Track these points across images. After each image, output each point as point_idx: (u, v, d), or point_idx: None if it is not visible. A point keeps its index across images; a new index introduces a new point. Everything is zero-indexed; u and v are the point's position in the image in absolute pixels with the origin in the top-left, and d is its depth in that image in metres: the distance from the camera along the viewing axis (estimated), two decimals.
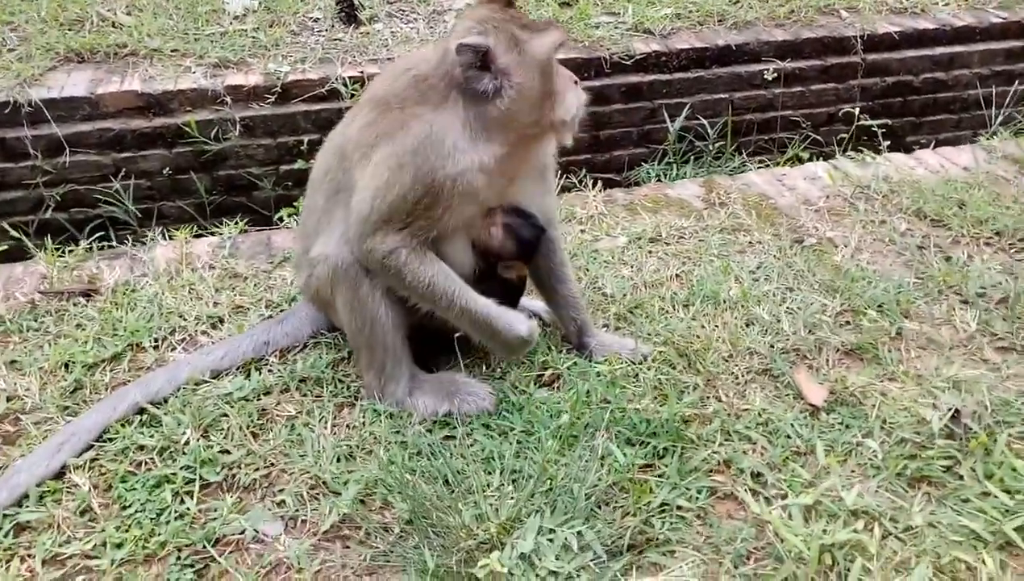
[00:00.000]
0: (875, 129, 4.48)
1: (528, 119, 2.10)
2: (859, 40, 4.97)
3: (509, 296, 2.49)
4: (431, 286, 2.11)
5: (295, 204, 3.95)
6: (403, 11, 5.18)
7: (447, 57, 2.05)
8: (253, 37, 4.64)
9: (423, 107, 2.07)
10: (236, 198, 4.44)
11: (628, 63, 4.68)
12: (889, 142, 4.46)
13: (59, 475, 2.08)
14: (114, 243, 3.98)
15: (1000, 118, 4.97)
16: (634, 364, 2.40)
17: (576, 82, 2.19)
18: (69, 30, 4.64)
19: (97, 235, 3.90)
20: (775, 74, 4.84)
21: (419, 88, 2.09)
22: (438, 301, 2.14)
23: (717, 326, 2.59)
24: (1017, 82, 5.24)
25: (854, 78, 5.06)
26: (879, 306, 2.68)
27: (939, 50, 5.15)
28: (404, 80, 2.12)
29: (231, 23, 4.80)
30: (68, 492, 2.04)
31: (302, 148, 4.36)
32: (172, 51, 4.47)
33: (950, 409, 2.17)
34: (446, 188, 2.04)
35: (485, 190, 2.13)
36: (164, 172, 4.27)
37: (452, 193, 2.05)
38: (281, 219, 3.83)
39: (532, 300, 2.69)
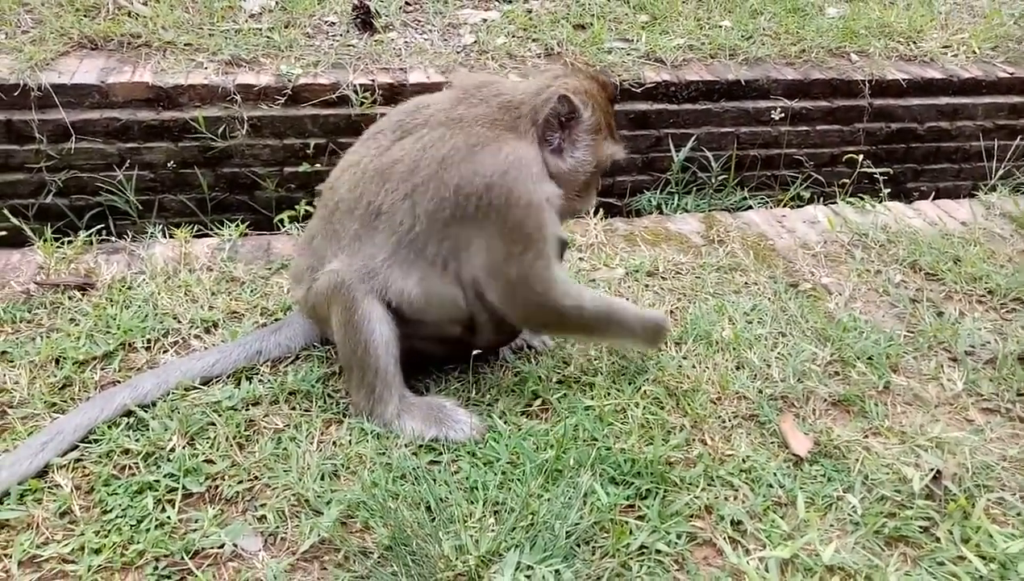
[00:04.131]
0: (877, 176, 4.52)
1: (569, 190, 2.31)
2: (867, 84, 5.02)
3: None
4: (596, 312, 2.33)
5: (297, 207, 3.97)
6: (419, 21, 5.20)
7: (542, 96, 2.22)
8: (267, 37, 4.66)
9: (510, 134, 2.19)
10: (238, 196, 4.45)
11: (638, 91, 4.70)
12: (890, 189, 4.50)
13: (42, 474, 2.07)
14: (112, 232, 4.00)
15: (1000, 172, 5.01)
16: (623, 398, 2.42)
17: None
18: (85, 16, 4.64)
19: (97, 226, 3.89)
20: (782, 114, 4.88)
21: (510, 114, 2.22)
22: (597, 323, 2.35)
23: (708, 367, 2.61)
24: (1019, 137, 5.30)
25: (859, 121, 5.10)
26: (869, 358, 2.70)
27: (945, 100, 5.20)
28: (494, 104, 2.22)
29: (246, 21, 4.81)
30: (50, 492, 2.03)
31: (308, 151, 4.37)
32: (185, 45, 4.48)
33: (932, 469, 2.19)
34: (544, 209, 2.17)
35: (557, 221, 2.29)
36: (168, 165, 4.28)
37: (549, 214, 2.20)
38: (283, 222, 3.83)
39: None
